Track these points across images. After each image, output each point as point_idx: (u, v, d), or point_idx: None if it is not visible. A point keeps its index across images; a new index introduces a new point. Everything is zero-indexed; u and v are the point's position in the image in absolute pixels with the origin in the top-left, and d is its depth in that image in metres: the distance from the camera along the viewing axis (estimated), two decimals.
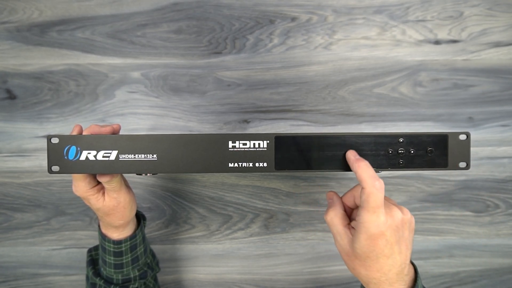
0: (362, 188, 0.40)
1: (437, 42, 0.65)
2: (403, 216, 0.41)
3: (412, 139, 0.45)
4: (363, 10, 0.65)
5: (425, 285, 0.69)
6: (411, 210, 0.68)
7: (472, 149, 0.65)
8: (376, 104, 0.66)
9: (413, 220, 0.43)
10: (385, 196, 0.42)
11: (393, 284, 0.41)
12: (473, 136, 0.66)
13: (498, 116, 0.67)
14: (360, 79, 0.66)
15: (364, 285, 0.43)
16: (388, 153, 0.45)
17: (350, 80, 0.66)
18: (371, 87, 0.66)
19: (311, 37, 0.65)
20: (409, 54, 0.66)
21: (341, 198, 0.47)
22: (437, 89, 0.66)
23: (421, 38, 0.65)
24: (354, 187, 0.46)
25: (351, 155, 0.43)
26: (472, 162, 0.66)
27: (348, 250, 0.42)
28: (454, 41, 0.65)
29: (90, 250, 0.59)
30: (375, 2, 0.65)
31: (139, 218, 0.58)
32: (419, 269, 0.69)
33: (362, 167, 0.41)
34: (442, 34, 0.65)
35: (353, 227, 0.43)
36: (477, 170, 0.68)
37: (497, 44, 0.66)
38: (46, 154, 0.46)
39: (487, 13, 0.65)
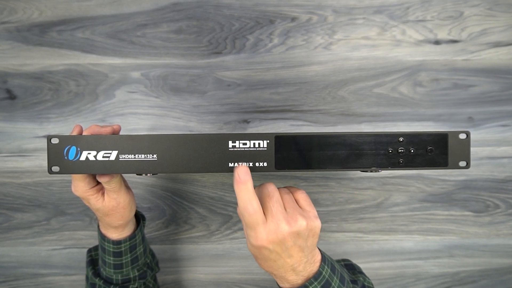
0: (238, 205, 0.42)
1: (437, 42, 0.65)
2: (290, 231, 0.41)
3: (412, 138, 0.45)
4: (363, 10, 0.65)
5: (425, 285, 0.70)
6: (411, 210, 0.68)
7: (472, 149, 0.65)
8: (376, 104, 0.66)
9: (314, 226, 0.43)
10: (302, 199, 0.44)
11: (287, 278, 0.43)
12: (473, 136, 0.66)
13: (498, 116, 0.67)
14: (360, 79, 0.66)
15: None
16: (388, 152, 0.45)
17: (350, 80, 0.66)
18: (371, 87, 0.66)
19: (311, 37, 0.65)
20: (409, 54, 0.66)
21: None
22: (437, 89, 0.66)
23: (421, 38, 0.65)
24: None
25: (236, 173, 0.42)
26: (472, 162, 0.66)
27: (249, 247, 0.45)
28: (454, 41, 0.65)
29: (89, 250, 0.59)
30: (375, 2, 0.65)
31: (139, 218, 0.58)
32: (419, 269, 0.69)
33: (241, 190, 0.41)
34: (442, 34, 0.65)
35: None
36: (477, 170, 0.68)
37: (497, 44, 0.66)
38: (46, 154, 0.45)
39: (487, 13, 0.65)
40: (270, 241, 0.41)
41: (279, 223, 0.41)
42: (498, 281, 0.70)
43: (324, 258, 0.45)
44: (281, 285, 0.45)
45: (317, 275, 0.43)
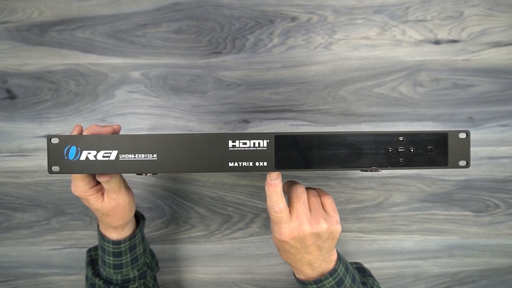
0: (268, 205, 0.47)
1: (437, 42, 0.65)
2: (311, 231, 0.45)
3: (412, 137, 0.45)
4: (363, 10, 0.65)
5: (425, 285, 0.70)
6: (411, 210, 0.68)
7: (472, 149, 0.65)
8: (376, 104, 0.66)
9: (334, 230, 0.47)
10: (328, 203, 0.48)
11: (303, 270, 0.48)
12: (473, 136, 0.66)
13: (498, 116, 0.67)
14: (360, 79, 0.66)
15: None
16: (388, 151, 0.45)
17: (350, 80, 0.66)
18: (371, 87, 0.66)
19: (311, 37, 0.65)
20: (409, 54, 0.66)
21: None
22: (437, 89, 0.66)
23: (421, 38, 0.65)
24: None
25: (268, 177, 0.46)
26: (472, 162, 0.66)
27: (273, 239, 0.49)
28: (454, 41, 0.66)
29: (89, 250, 0.59)
30: (375, 2, 0.65)
31: (138, 218, 0.58)
32: (419, 269, 0.69)
33: (271, 192, 0.46)
34: (442, 34, 0.65)
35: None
36: (477, 170, 0.68)
37: (497, 44, 0.66)
38: (46, 154, 0.45)
39: (487, 13, 0.65)
40: (292, 237, 0.46)
41: (302, 223, 0.46)
42: (498, 281, 0.70)
43: (340, 258, 0.50)
44: (297, 275, 0.50)
45: (332, 272, 0.47)
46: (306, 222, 0.46)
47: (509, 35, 0.66)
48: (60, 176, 0.67)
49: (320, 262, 0.48)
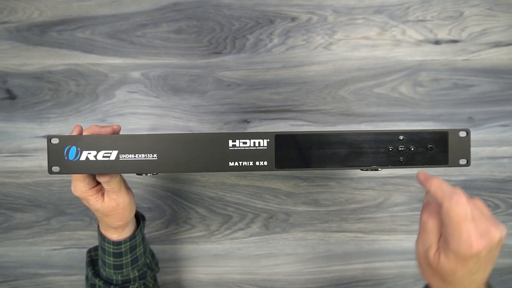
0: (441, 206, 0.38)
1: (437, 42, 0.65)
2: (500, 235, 0.37)
3: (412, 136, 0.45)
4: (363, 10, 0.65)
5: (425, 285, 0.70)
6: (411, 210, 0.68)
7: (472, 149, 0.65)
8: (376, 104, 0.66)
9: (504, 234, 0.38)
10: (484, 210, 0.39)
11: None
12: (473, 136, 0.66)
13: (498, 116, 0.67)
14: (360, 79, 0.66)
15: None
16: (388, 150, 0.45)
17: (350, 80, 0.66)
18: (371, 87, 0.66)
19: (311, 37, 0.65)
20: (409, 54, 0.66)
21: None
22: (437, 89, 0.66)
23: (421, 38, 0.65)
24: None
25: (421, 176, 0.41)
26: (472, 162, 0.66)
27: (433, 261, 0.39)
28: (454, 41, 0.66)
29: (89, 251, 0.59)
30: (375, 2, 0.65)
31: (138, 218, 0.58)
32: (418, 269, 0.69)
33: (434, 184, 0.39)
34: (442, 34, 0.65)
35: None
36: (477, 170, 0.68)
37: (497, 44, 0.66)
38: (46, 154, 0.45)
39: (487, 13, 0.65)
40: (485, 247, 0.36)
41: (489, 226, 0.37)
42: (498, 281, 0.70)
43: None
44: None
45: None
46: (488, 222, 0.37)
47: (509, 35, 0.66)
48: (60, 176, 0.67)
49: (484, 279, 0.39)
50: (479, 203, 0.40)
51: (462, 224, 0.36)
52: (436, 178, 0.40)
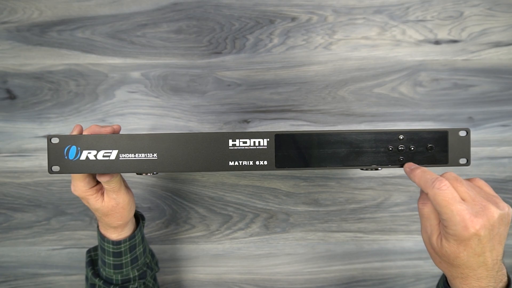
0: (427, 195, 0.39)
1: (437, 42, 0.66)
2: (500, 212, 0.37)
3: (412, 135, 0.45)
4: (363, 10, 0.65)
5: (425, 285, 0.70)
6: (411, 210, 0.68)
7: (472, 149, 0.65)
8: (376, 104, 0.66)
9: (511, 212, 0.38)
10: (483, 190, 0.40)
11: (481, 280, 0.39)
12: (473, 136, 0.66)
13: (498, 116, 0.67)
14: (360, 79, 0.66)
15: (449, 278, 0.41)
16: (388, 150, 0.45)
17: (350, 80, 0.66)
18: (371, 87, 0.66)
19: (311, 37, 0.65)
20: (409, 54, 0.66)
21: None
22: (437, 89, 0.66)
23: (421, 38, 0.65)
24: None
25: (407, 168, 0.43)
26: (472, 162, 0.66)
27: (436, 247, 0.40)
28: (454, 41, 0.66)
29: (89, 251, 0.59)
30: (375, 2, 0.65)
31: (138, 218, 0.58)
32: (419, 269, 0.69)
33: (417, 175, 0.40)
34: (442, 34, 0.65)
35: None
36: (477, 170, 0.67)
37: (497, 44, 0.66)
38: (46, 154, 0.45)
39: (487, 13, 0.65)
40: (483, 226, 0.36)
41: (485, 204, 0.37)
42: None
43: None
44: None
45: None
46: (488, 202, 0.37)
47: (509, 35, 0.66)
48: (60, 176, 0.67)
49: (499, 265, 0.39)
50: (479, 182, 0.41)
51: (452, 206, 0.37)
52: (419, 168, 0.41)
